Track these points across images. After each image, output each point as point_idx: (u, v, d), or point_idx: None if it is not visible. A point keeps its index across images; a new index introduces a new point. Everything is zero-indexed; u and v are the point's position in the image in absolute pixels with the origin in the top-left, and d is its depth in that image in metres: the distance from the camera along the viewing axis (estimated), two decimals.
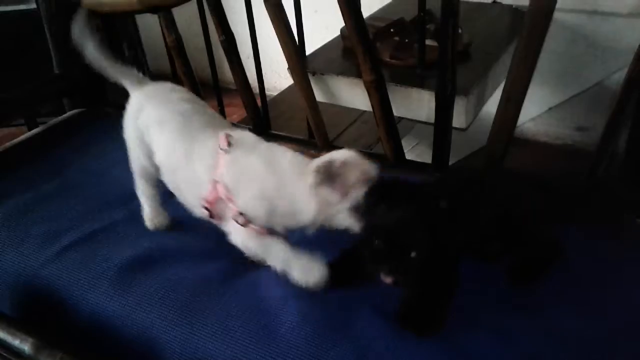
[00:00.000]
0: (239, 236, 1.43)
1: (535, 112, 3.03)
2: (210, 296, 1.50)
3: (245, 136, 1.45)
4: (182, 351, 1.42)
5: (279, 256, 1.36)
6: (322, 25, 2.60)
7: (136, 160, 1.67)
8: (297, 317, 1.41)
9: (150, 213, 1.75)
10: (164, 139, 1.53)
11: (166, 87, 1.67)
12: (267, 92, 2.56)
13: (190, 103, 1.58)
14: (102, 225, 1.81)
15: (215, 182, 1.38)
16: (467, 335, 1.32)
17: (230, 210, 1.39)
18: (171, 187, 1.59)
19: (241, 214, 1.37)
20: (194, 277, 1.57)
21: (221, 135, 1.41)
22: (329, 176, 1.20)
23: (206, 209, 1.44)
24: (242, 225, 1.38)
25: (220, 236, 1.58)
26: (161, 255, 1.66)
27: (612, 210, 1.74)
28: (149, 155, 1.61)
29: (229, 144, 1.40)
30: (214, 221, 1.50)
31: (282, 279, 1.45)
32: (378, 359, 1.29)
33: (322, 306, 1.42)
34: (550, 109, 3.01)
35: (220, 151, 1.39)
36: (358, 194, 1.19)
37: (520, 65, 1.65)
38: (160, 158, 1.56)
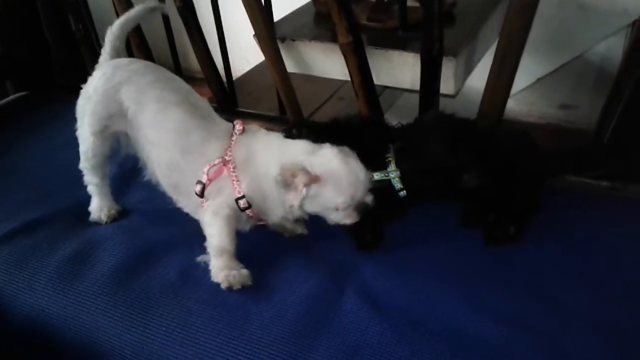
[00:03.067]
0: (215, 216, 1.33)
1: (523, 85, 2.86)
2: (165, 292, 1.30)
3: (254, 127, 1.46)
4: (134, 357, 1.21)
5: (212, 247, 1.31)
6: None
7: (88, 133, 1.48)
8: (271, 312, 1.23)
9: (99, 203, 1.58)
10: (168, 118, 1.41)
11: (148, 63, 1.55)
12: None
13: (183, 83, 1.52)
14: (44, 214, 1.59)
15: (224, 161, 1.35)
16: None
17: (230, 191, 1.35)
18: (162, 161, 1.43)
19: (242, 197, 1.34)
20: (146, 271, 1.37)
21: (237, 121, 1.43)
22: (285, 184, 1.26)
23: (202, 187, 1.37)
24: (242, 208, 1.35)
25: (180, 225, 1.45)
26: (109, 247, 1.45)
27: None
28: (115, 131, 1.48)
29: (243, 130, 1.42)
30: (188, 205, 1.44)
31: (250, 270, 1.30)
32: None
33: (296, 301, 1.25)
34: (538, 79, 2.85)
35: (235, 134, 1.39)
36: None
37: (517, 16, 1.46)
38: (152, 135, 1.42)
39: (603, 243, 1.39)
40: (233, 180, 1.34)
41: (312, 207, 1.30)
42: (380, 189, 1.34)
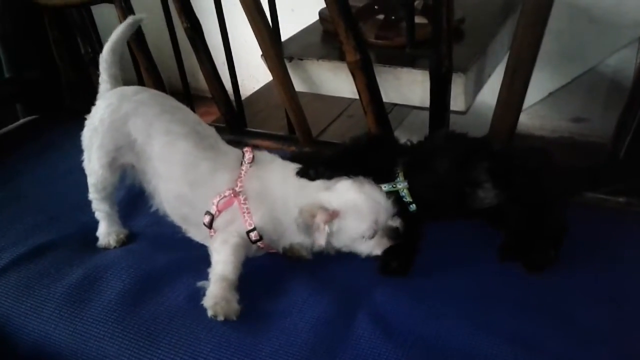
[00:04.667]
0: (224, 244, 1.31)
1: (535, 99, 2.83)
2: (174, 318, 1.28)
3: (264, 154, 1.45)
4: None
5: (214, 273, 1.28)
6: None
7: (97, 167, 1.46)
8: (281, 339, 1.20)
9: (105, 229, 1.55)
10: (176, 150, 1.40)
11: (154, 93, 1.54)
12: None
13: (190, 113, 1.51)
14: (50, 239, 1.57)
15: (235, 192, 1.34)
16: None
17: (241, 222, 1.33)
18: (170, 194, 1.42)
19: (254, 229, 1.33)
20: (154, 296, 1.34)
21: (246, 149, 1.42)
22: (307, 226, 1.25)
23: (210, 218, 1.36)
24: (253, 241, 1.33)
25: (188, 249, 1.44)
26: (116, 272, 1.42)
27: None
28: (124, 163, 1.46)
29: (253, 159, 1.41)
30: (198, 235, 1.43)
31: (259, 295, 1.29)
32: None
33: (306, 326, 1.22)
34: (550, 94, 2.82)
35: (244, 163, 1.39)
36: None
37: (527, 29, 1.44)
38: (160, 168, 1.41)
39: (623, 263, 1.35)
40: (244, 213, 1.32)
41: (340, 242, 1.29)
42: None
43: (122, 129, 1.42)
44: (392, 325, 1.20)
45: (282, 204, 1.31)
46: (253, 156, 1.40)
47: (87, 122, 1.49)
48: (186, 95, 2.35)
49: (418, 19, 1.89)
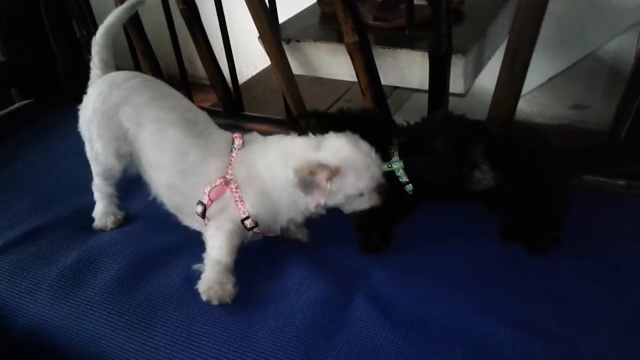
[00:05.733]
0: (218, 230, 1.30)
1: (534, 84, 2.81)
2: (169, 300, 1.27)
3: (252, 136, 1.42)
4: None
5: (209, 257, 1.27)
6: None
7: (102, 157, 1.44)
8: (278, 321, 1.19)
9: (102, 210, 1.53)
10: (165, 138, 1.37)
11: (145, 78, 1.50)
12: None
13: (181, 98, 1.47)
14: (46, 222, 1.56)
15: (226, 181, 1.31)
16: None
17: (234, 211, 1.31)
18: (162, 183, 1.40)
19: (247, 217, 1.30)
20: (149, 278, 1.33)
21: (235, 135, 1.39)
22: (306, 185, 1.22)
23: (203, 208, 1.33)
24: (249, 228, 1.31)
25: (184, 232, 1.42)
26: (111, 254, 1.41)
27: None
28: (127, 151, 1.43)
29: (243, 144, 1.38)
30: (193, 224, 1.40)
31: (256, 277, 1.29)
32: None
33: (303, 308, 1.21)
34: (550, 79, 2.80)
35: (234, 149, 1.35)
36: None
37: (528, 10, 1.42)
38: (151, 157, 1.39)
39: (621, 245, 1.34)
40: (237, 201, 1.30)
41: (334, 200, 1.26)
42: (388, 187, 1.30)
43: (114, 117, 1.39)
44: (388, 306, 1.19)
45: (271, 181, 1.28)
46: (243, 142, 1.37)
47: (80, 112, 1.46)
48: (184, 83, 2.32)
49: (417, 0, 1.87)
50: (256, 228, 1.32)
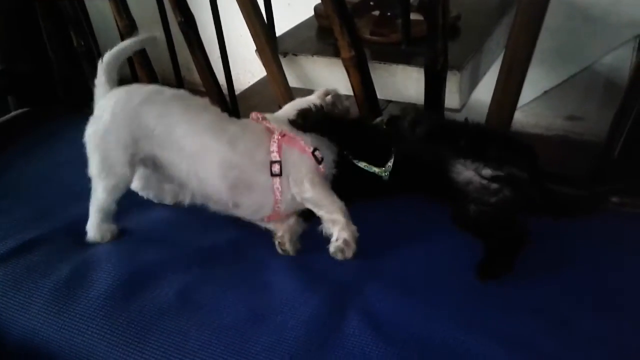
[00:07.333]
0: (314, 188, 1.40)
1: (529, 97, 2.82)
2: (163, 314, 1.26)
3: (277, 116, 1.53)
4: None
5: (332, 210, 1.38)
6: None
7: (119, 167, 1.42)
8: (272, 337, 1.18)
9: (97, 223, 1.49)
10: (201, 123, 1.42)
11: (159, 85, 1.52)
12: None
13: (199, 97, 1.52)
14: (40, 234, 1.55)
15: (281, 133, 1.42)
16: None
17: (303, 158, 1.42)
18: (213, 166, 1.40)
19: (315, 149, 1.43)
20: (143, 292, 1.33)
21: (264, 119, 1.47)
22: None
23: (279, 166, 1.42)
24: (319, 161, 1.42)
25: (179, 245, 1.45)
26: (106, 267, 1.41)
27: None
28: (142, 157, 1.43)
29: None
30: (252, 204, 1.44)
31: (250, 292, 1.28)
32: None
33: (297, 324, 1.21)
34: (545, 92, 2.81)
35: (274, 134, 1.42)
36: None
37: (523, 28, 1.44)
38: (191, 144, 1.40)
39: (610, 259, 1.34)
40: (300, 142, 1.41)
41: None
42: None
43: (137, 120, 1.39)
44: (383, 323, 1.19)
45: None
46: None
47: (92, 122, 1.44)
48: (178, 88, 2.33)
49: (414, 16, 1.88)
50: (321, 165, 1.42)
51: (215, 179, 1.40)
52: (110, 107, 1.42)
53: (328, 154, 1.46)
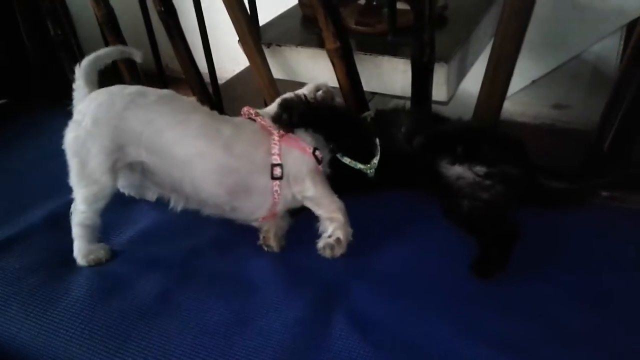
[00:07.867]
0: (316, 187, 1.39)
1: (518, 87, 2.80)
2: (143, 317, 1.23)
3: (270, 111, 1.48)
4: None
5: (332, 209, 1.37)
6: None
7: (99, 174, 1.32)
8: (256, 341, 1.15)
9: (83, 246, 1.38)
10: (192, 126, 1.35)
11: (143, 87, 1.43)
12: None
13: (185, 97, 1.46)
14: (17, 231, 1.50)
15: (279, 134, 1.39)
16: None
17: (303, 156, 1.40)
18: (208, 172, 1.34)
19: (315, 149, 1.41)
20: (124, 295, 1.29)
21: (261, 120, 1.43)
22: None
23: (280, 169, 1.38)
24: (320, 161, 1.41)
25: (159, 245, 1.42)
26: (84, 269, 1.37)
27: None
28: (124, 164, 1.35)
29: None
30: (250, 206, 1.40)
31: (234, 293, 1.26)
32: None
33: (282, 327, 1.18)
34: (533, 82, 2.79)
35: (273, 136, 1.38)
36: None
37: (511, 18, 1.40)
38: (182, 150, 1.33)
39: (607, 260, 1.32)
40: (298, 142, 1.39)
41: None
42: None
43: (121, 124, 1.31)
44: (371, 325, 1.16)
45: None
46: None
47: (72, 128, 1.35)
48: (161, 79, 2.28)
49: (400, 5, 1.83)
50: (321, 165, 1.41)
51: (211, 186, 1.34)
52: (92, 111, 1.33)
53: (325, 153, 1.44)
